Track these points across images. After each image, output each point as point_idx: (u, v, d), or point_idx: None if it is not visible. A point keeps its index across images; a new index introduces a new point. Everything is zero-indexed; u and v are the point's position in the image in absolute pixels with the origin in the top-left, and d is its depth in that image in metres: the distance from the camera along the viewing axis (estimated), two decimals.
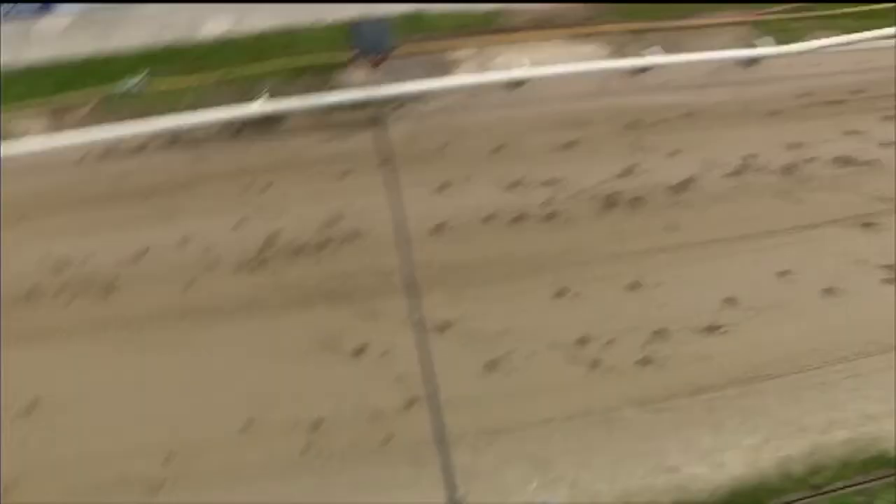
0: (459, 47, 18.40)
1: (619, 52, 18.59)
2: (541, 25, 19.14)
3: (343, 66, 17.63)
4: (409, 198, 15.50)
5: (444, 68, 17.87)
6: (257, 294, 14.02)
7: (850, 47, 19.86)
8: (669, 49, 18.62)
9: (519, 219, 15.47)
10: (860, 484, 12.65)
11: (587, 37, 19.00)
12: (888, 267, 15.56)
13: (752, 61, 19.09)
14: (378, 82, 17.18)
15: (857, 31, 20.06)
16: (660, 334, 13.98)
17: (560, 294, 14.36)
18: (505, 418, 12.64)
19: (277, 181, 15.74)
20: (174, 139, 16.56)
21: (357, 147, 16.33)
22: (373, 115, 16.86)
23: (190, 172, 15.98)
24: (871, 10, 21.01)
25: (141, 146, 16.49)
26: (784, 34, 19.71)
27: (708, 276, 14.95)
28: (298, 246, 14.70)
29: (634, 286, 14.63)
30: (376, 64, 17.66)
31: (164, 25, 18.71)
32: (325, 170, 15.89)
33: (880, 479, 12.74)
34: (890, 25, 20.18)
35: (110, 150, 16.40)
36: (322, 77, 17.41)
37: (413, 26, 18.69)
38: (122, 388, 12.75)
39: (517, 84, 17.39)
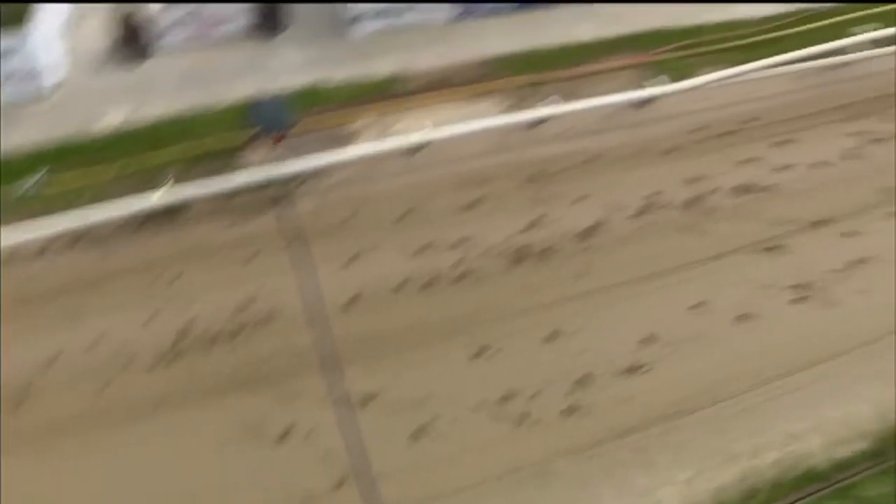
0: (358, 117, 18.71)
1: (517, 106, 19.15)
2: (437, 86, 19.57)
3: (243, 147, 17.70)
4: (321, 273, 15.64)
5: (345, 139, 18.10)
6: (175, 388, 13.92)
7: (738, 79, 20.86)
8: (565, 98, 19.23)
9: (431, 283, 15.74)
10: (793, 502, 13.16)
11: (484, 94, 19.55)
12: (795, 287, 16.32)
13: (645, 102, 19.91)
14: (280, 160, 17.27)
15: (744, 63, 21.10)
16: (582, 381, 14.31)
17: (479, 353, 14.61)
18: (437, 485, 12.73)
19: (186, 271, 15.72)
20: (77, 238, 16.42)
21: (263, 228, 16.44)
22: (277, 193, 16.96)
23: (96, 270, 15.84)
24: (756, 42, 22.16)
25: (44, 248, 16.30)
26: (676, 72, 20.64)
27: (623, 318, 15.42)
28: (213, 335, 14.68)
29: (552, 336, 14.98)
30: (277, 142, 17.74)
31: (58, 122, 18.66)
32: (232, 254, 15.93)
33: (811, 494, 13.28)
34: (773, 55, 21.29)
35: (13, 255, 16.17)
36: (223, 160, 17.43)
37: (310, 100, 18.91)
38: (45, 498, 12.48)
39: (418, 148, 17.71)
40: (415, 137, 17.76)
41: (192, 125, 18.43)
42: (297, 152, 17.39)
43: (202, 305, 15.14)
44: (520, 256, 16.36)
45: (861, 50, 22.32)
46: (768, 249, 17.02)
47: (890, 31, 22.61)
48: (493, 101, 19.52)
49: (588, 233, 16.94)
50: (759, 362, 15.00)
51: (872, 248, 17.28)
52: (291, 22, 21.49)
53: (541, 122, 18.77)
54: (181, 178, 16.95)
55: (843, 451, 14.03)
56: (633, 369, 14.67)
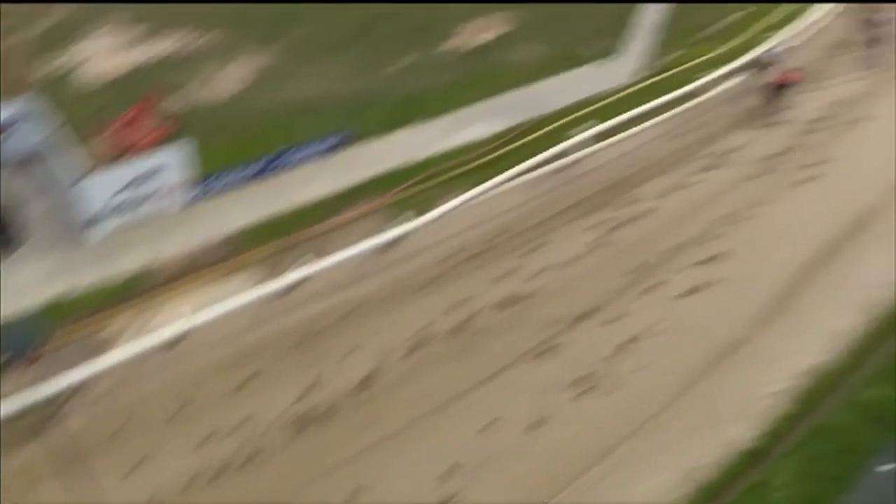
0: (113, 320, 18.62)
1: (270, 275, 19.76)
2: (187, 273, 19.82)
3: None
4: (105, 489, 15.31)
5: (103, 346, 17.81)
6: None
7: (478, 199, 22.62)
8: (316, 256, 20.03)
9: (220, 472, 15.83)
10: None
11: (235, 270, 20.16)
12: (575, 383, 17.82)
13: (394, 242, 21.06)
14: (37, 382, 16.83)
15: (480, 184, 22.81)
16: None
17: None
18: None
19: None
20: None
21: (32, 457, 15.87)
22: (41, 418, 16.53)
23: None
24: (487, 161, 24.12)
25: None
26: (418, 207, 22.02)
27: (420, 456, 16.21)
28: None
29: (355, 494, 15.50)
30: (31, 364, 17.40)
31: None
32: (3, 495, 15.20)
33: None
34: (506, 170, 23.35)
35: None
36: None
37: (59, 313, 18.62)
38: None
39: (179, 339, 17.89)
40: (173, 329, 17.89)
41: None
42: (55, 370, 16.91)
43: None
44: (303, 424, 16.81)
45: (584, 147, 24.90)
46: (542, 354, 18.49)
47: (606, 125, 25.44)
48: (245, 276, 20.05)
49: (365, 383, 17.68)
50: (561, 463, 16.20)
51: (637, 327, 19.24)
52: (25, 237, 21.31)
53: (296, 285, 19.45)
54: None
55: None
56: None
